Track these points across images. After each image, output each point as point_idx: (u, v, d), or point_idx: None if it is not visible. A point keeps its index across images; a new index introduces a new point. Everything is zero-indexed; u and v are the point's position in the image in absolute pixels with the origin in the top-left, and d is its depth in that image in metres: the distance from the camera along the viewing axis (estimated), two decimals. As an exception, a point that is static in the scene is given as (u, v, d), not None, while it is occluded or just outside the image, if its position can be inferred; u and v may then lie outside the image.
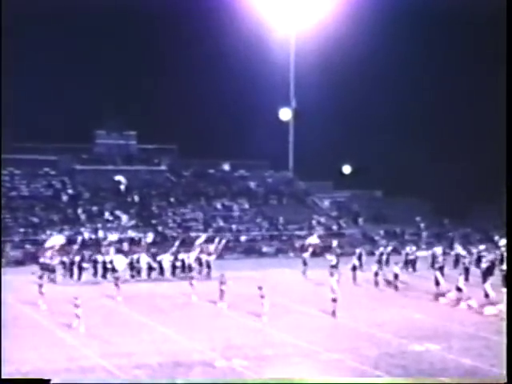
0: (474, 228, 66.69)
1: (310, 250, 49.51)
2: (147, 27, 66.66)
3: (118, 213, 60.72)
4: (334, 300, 31.64)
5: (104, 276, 43.41)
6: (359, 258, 45.85)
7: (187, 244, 49.82)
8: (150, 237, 51.14)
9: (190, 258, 45.06)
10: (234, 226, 61.39)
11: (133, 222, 59.94)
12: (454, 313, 33.20)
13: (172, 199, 64.79)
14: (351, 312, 31.50)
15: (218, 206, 65.38)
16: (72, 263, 44.22)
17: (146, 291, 39.31)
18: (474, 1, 60.78)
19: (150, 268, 44.29)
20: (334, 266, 43.86)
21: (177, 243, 47.85)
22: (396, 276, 39.71)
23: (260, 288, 31.29)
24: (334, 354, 25.34)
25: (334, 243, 53.23)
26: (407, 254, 48.91)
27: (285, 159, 73.97)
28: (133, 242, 53.92)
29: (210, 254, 45.58)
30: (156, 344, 26.90)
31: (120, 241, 52.13)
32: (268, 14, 68.64)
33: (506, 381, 19.26)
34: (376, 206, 70.21)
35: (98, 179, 64.92)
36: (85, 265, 44.21)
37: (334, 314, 31.44)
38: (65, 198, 62.43)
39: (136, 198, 63.91)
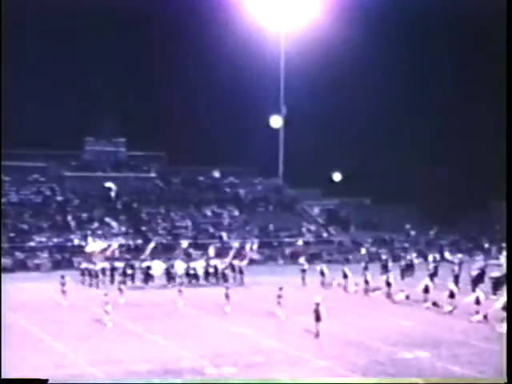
0: (463, 235, 66.86)
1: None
2: (135, 35, 66.75)
3: (107, 220, 60.65)
4: (318, 319, 28.80)
5: (145, 281, 43.72)
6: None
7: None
8: (184, 243, 51.13)
9: (222, 264, 45.49)
10: (223, 233, 61.36)
11: (122, 229, 59.89)
12: (443, 320, 33.20)
13: (161, 206, 64.73)
14: (340, 319, 31.37)
15: (208, 213, 65.37)
16: (113, 269, 44.54)
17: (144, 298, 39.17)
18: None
19: (188, 274, 44.56)
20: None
21: (212, 251, 48.48)
22: (388, 284, 39.60)
23: (280, 289, 32.84)
24: (324, 361, 25.31)
25: (363, 250, 54.48)
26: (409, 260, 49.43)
27: (275, 166, 74.12)
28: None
29: (242, 260, 46.06)
30: (145, 351, 26.80)
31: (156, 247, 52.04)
32: (257, 19, 68.77)
33: (506, 381, 19.29)
34: (365, 214, 70.36)
35: (87, 186, 64.87)
36: (129, 271, 44.31)
37: (317, 334, 28.79)
38: (54, 204, 62.31)
39: (125, 205, 63.83)
